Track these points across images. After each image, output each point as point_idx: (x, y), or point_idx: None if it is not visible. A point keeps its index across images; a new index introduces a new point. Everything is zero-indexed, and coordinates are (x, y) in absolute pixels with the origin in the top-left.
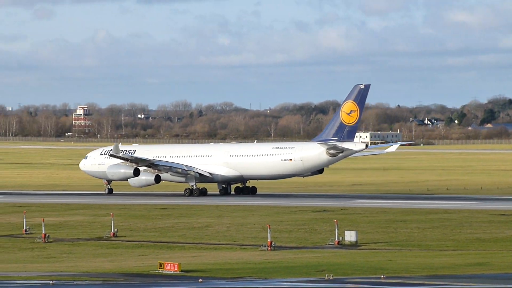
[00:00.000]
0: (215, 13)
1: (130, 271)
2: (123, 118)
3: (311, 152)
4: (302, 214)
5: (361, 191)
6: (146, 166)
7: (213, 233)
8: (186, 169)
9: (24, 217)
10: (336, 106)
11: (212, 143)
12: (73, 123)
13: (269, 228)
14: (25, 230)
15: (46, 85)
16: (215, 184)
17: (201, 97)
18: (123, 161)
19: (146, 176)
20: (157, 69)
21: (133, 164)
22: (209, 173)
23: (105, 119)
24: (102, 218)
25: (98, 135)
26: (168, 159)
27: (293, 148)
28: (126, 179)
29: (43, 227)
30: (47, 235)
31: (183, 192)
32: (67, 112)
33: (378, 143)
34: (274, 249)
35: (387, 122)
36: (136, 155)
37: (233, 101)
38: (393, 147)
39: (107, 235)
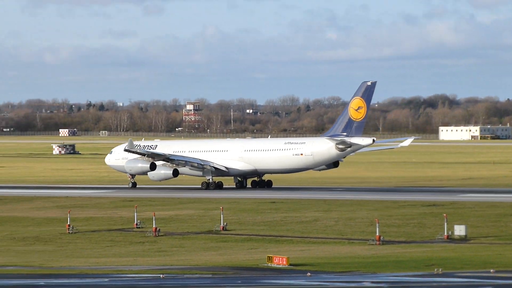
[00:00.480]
0: (324, 8)
1: (239, 265)
2: (232, 113)
3: (321, 147)
4: (411, 209)
5: (471, 185)
6: (162, 160)
7: (321, 227)
8: (202, 163)
9: (135, 212)
10: (445, 100)
11: (229, 139)
12: (183, 119)
13: (378, 223)
14: (136, 224)
15: (155, 80)
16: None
17: (309, 92)
18: (141, 156)
19: (165, 170)
20: (265, 64)
21: (150, 159)
22: (225, 167)
23: (215, 115)
24: (212, 212)
25: (208, 130)
26: (186, 154)
27: (304, 143)
28: (143, 173)
29: (153, 221)
30: (157, 229)
31: (200, 186)
32: (177, 107)
33: (488, 137)
34: (382, 244)
35: (497, 116)
36: (156, 150)
37: (341, 95)
38: (407, 141)
39: (216, 228)
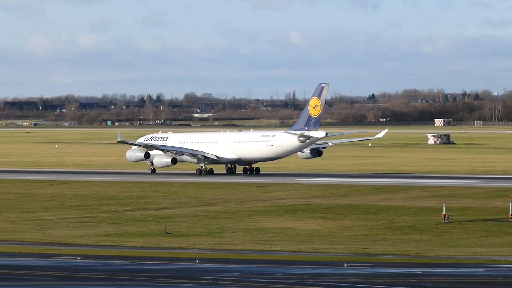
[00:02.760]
0: None
1: None
2: None
3: (287, 139)
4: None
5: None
6: (156, 150)
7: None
8: (192, 153)
9: (510, 201)
10: None
11: (222, 131)
12: None
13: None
14: (511, 215)
15: None
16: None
17: None
18: (138, 146)
19: (166, 158)
20: None
21: (144, 149)
22: (216, 156)
23: None
24: None
25: None
26: (188, 145)
27: (275, 135)
28: (140, 161)
29: None
30: None
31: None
32: None
33: None
34: None
35: None
36: (168, 141)
37: None
38: (382, 133)
39: None
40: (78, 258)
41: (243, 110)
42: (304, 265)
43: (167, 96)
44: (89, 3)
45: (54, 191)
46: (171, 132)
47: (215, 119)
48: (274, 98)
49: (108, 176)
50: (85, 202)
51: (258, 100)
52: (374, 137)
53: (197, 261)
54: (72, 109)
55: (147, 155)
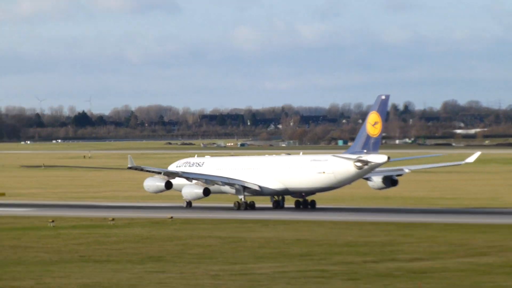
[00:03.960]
0: None
1: None
2: None
3: (340, 165)
4: None
5: None
6: (179, 177)
7: None
8: (227, 181)
9: None
10: None
11: (267, 155)
12: None
13: None
14: None
15: None
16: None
17: None
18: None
19: (196, 189)
20: None
21: (165, 177)
22: (258, 186)
23: None
24: None
25: None
26: (226, 171)
27: (327, 160)
28: (161, 191)
29: None
30: None
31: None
32: None
33: None
34: None
35: None
36: (203, 167)
37: None
38: (473, 157)
39: None
40: None
41: None
42: None
43: (418, 106)
44: None
45: (269, 234)
46: (209, 156)
47: (485, 136)
48: None
49: (339, 214)
50: (311, 250)
51: None
52: (463, 162)
53: None
54: (291, 124)
55: (168, 185)
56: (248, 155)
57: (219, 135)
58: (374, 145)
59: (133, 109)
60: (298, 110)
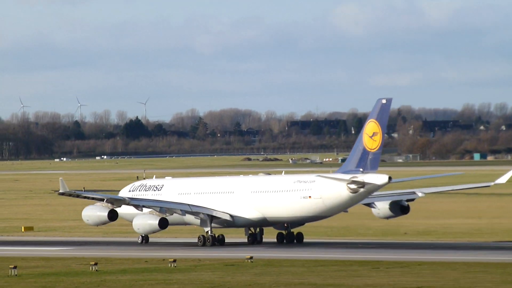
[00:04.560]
0: None
1: None
2: None
3: (329, 188)
4: None
5: None
6: (129, 205)
7: None
8: (188, 210)
9: None
10: None
11: (242, 175)
12: None
13: None
14: None
15: None
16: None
17: None
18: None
19: (150, 219)
20: None
21: (109, 205)
22: (229, 215)
23: None
24: None
25: None
26: (189, 196)
27: (314, 181)
28: (104, 224)
29: None
30: None
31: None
32: None
33: None
34: None
35: None
36: (162, 191)
37: None
38: (505, 177)
39: None
40: None
41: None
42: None
43: None
44: None
45: (382, 280)
46: (170, 177)
47: None
48: None
49: (475, 253)
50: None
51: None
52: (492, 183)
53: None
54: (410, 132)
55: (112, 215)
56: (222, 175)
57: (314, 148)
58: (372, 162)
59: (201, 114)
60: (420, 113)
